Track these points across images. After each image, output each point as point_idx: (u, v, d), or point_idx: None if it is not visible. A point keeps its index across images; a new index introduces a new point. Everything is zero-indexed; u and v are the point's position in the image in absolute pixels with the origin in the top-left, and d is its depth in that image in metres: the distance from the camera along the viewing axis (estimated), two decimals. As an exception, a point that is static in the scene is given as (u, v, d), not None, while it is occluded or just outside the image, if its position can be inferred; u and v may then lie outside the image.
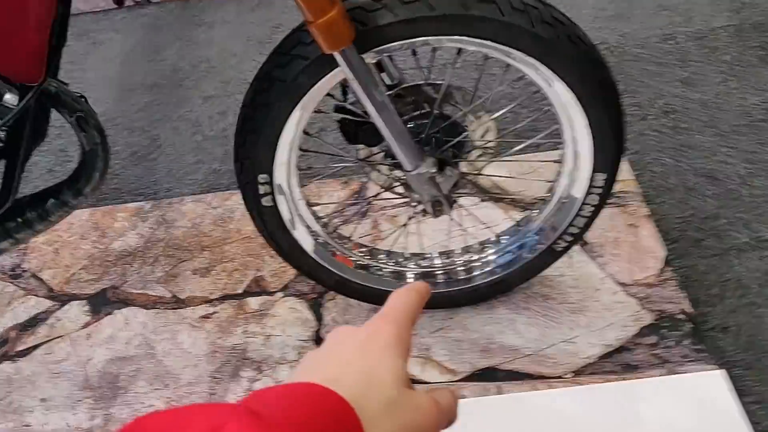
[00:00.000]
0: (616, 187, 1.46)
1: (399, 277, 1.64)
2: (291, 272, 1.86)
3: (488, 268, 1.62)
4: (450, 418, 0.50)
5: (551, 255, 1.57)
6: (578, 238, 1.54)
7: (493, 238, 1.63)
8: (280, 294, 1.82)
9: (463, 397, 1.51)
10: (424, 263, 1.65)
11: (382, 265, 1.63)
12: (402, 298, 0.54)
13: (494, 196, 1.91)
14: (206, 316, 1.79)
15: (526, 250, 1.58)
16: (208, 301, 1.83)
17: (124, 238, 2.06)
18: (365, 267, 1.62)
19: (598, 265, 1.72)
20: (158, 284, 1.90)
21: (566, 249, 1.55)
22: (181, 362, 1.69)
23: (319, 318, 1.73)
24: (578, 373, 1.51)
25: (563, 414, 1.42)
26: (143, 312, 1.83)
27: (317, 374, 0.45)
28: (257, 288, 1.84)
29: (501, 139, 1.49)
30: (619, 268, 1.71)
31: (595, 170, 1.41)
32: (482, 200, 1.95)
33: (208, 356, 1.69)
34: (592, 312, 1.62)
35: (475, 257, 1.64)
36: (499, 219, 1.86)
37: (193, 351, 1.71)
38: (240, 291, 1.84)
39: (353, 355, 0.48)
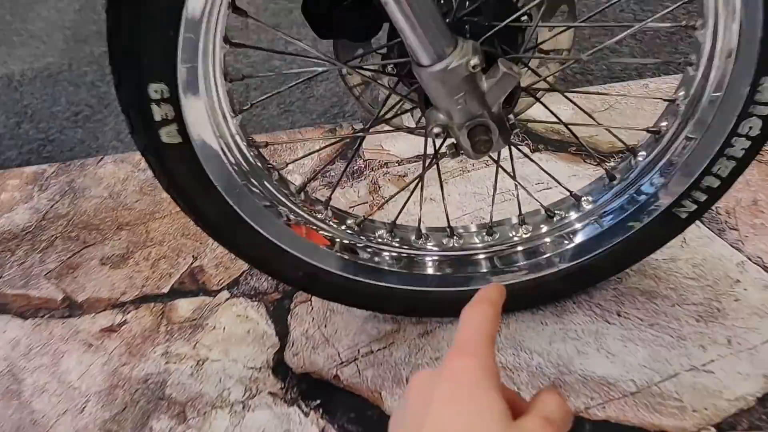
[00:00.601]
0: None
1: (410, 265, 0.99)
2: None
3: (561, 249, 0.97)
4: (565, 424, 0.47)
5: (669, 225, 0.92)
6: (717, 197, 0.88)
7: (572, 201, 0.98)
8: (225, 294, 1.17)
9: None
10: (452, 243, 1.00)
11: (381, 247, 0.98)
12: (475, 319, 0.50)
13: (561, 140, 1.26)
14: (110, 329, 1.15)
15: (626, 218, 0.93)
16: (117, 305, 1.19)
17: (10, 215, 1.42)
18: (351, 249, 0.97)
19: (728, 243, 1.07)
20: (47, 280, 1.26)
21: (695, 215, 0.91)
22: (58, 405, 1.04)
23: (284, 332, 1.09)
24: (723, 429, 0.86)
25: None
26: (18, 323, 1.19)
27: None
28: (192, 284, 1.20)
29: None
30: (767, 247, 1.05)
31: (760, 71, 0.76)
32: (536, 147, 1.29)
33: (104, 394, 1.05)
34: (734, 318, 0.97)
35: (540, 232, 0.99)
36: (563, 174, 1.21)
37: (81, 386, 1.07)
38: (166, 290, 1.20)
39: (445, 413, 0.45)
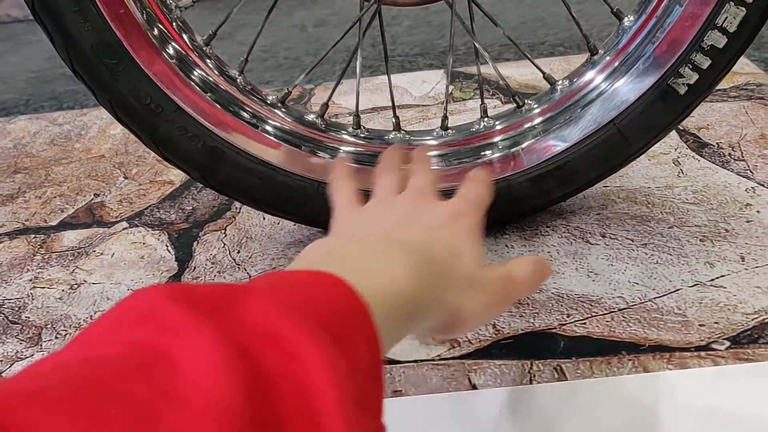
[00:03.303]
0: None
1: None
2: (154, 194, 1.00)
3: (531, 133, 0.78)
4: (529, 286, 0.52)
5: (664, 100, 0.73)
6: (723, 63, 0.71)
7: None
8: (123, 225, 0.95)
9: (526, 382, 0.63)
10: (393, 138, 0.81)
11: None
12: (479, 188, 0.56)
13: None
14: (-28, 258, 0.92)
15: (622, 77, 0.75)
16: (-10, 237, 0.96)
17: None
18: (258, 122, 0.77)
19: (734, 173, 0.88)
20: None
21: (694, 95, 0.73)
22: None
23: (185, 258, 0.87)
24: (740, 342, 0.64)
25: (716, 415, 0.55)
26: None
27: (398, 233, 0.47)
28: (88, 218, 0.98)
29: None
30: (782, 173, 0.87)
31: None
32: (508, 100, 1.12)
33: (-57, 317, 0.81)
34: (746, 236, 0.77)
35: (509, 123, 0.81)
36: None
37: None
38: (54, 223, 0.98)
39: (443, 225, 0.48)
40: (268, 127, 0.77)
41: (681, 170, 0.90)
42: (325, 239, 0.45)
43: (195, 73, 0.73)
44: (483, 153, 0.79)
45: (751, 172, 0.88)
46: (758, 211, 0.81)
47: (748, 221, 0.79)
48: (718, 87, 0.74)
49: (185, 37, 0.74)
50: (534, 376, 0.63)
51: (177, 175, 1.04)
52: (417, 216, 0.49)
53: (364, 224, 0.50)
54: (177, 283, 0.27)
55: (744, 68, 1.13)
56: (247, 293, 0.30)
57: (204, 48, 0.75)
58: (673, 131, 0.97)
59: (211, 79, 0.74)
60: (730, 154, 0.92)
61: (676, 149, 0.94)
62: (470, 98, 1.17)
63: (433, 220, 0.49)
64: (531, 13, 1.64)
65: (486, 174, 0.59)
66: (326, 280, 0.34)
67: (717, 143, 0.94)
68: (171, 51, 0.72)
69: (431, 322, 0.44)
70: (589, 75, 0.77)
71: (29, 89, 1.58)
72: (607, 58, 0.76)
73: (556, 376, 0.63)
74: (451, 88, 1.22)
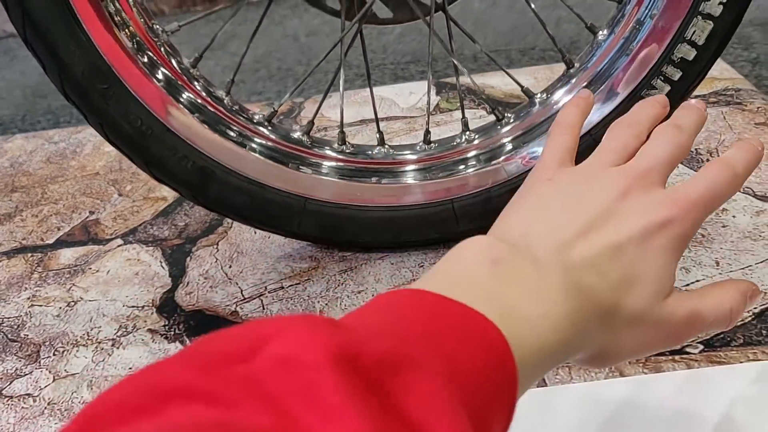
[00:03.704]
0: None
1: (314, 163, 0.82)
2: (147, 211, 1.03)
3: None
4: (723, 325, 0.41)
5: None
6: (694, 74, 0.73)
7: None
8: (118, 242, 0.98)
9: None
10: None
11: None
12: (715, 174, 0.41)
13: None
14: (-29, 277, 0.94)
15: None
16: (-11, 256, 0.99)
17: None
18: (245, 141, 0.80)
19: (712, 179, 0.90)
20: None
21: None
22: None
23: (179, 273, 0.89)
24: (713, 345, 0.66)
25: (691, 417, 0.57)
26: None
27: (576, 243, 0.39)
28: (83, 236, 1.00)
29: None
30: (759, 179, 0.89)
31: None
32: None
33: (-56, 337, 0.83)
34: (722, 242, 0.79)
35: (492, 136, 0.83)
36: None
37: None
38: (50, 241, 1.00)
39: (635, 242, 0.38)
40: (254, 146, 0.79)
41: (660, 177, 0.92)
42: (492, 240, 0.38)
43: (183, 96, 0.76)
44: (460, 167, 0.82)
45: (727, 177, 0.90)
46: (734, 216, 0.83)
47: (723, 226, 0.82)
48: (697, 93, 0.77)
49: (173, 61, 0.76)
50: (515, 382, 0.66)
51: (170, 192, 1.07)
52: (612, 215, 0.39)
53: (544, 215, 0.41)
54: (339, 328, 0.27)
55: (723, 73, 1.15)
56: (415, 369, 0.27)
57: (191, 70, 0.78)
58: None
59: (198, 101, 0.77)
60: (708, 160, 0.94)
61: (655, 156, 0.96)
62: (456, 109, 1.19)
63: (625, 231, 0.38)
64: (521, 19, 1.67)
65: (746, 149, 0.43)
66: (483, 336, 0.31)
67: (695, 149, 0.97)
68: (160, 75, 0.74)
69: (576, 358, 0.40)
70: (565, 89, 0.79)
71: (25, 105, 1.60)
72: (582, 72, 0.78)
73: (537, 382, 0.65)
74: (438, 98, 1.24)
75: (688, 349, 0.66)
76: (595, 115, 0.77)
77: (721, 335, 0.67)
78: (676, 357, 0.66)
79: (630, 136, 0.44)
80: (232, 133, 0.78)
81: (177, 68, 0.76)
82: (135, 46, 0.72)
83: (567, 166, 0.45)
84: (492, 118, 0.83)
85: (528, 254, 0.38)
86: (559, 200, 0.41)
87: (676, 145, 0.42)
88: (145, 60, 0.73)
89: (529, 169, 0.76)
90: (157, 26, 0.75)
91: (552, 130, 0.48)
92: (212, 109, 0.78)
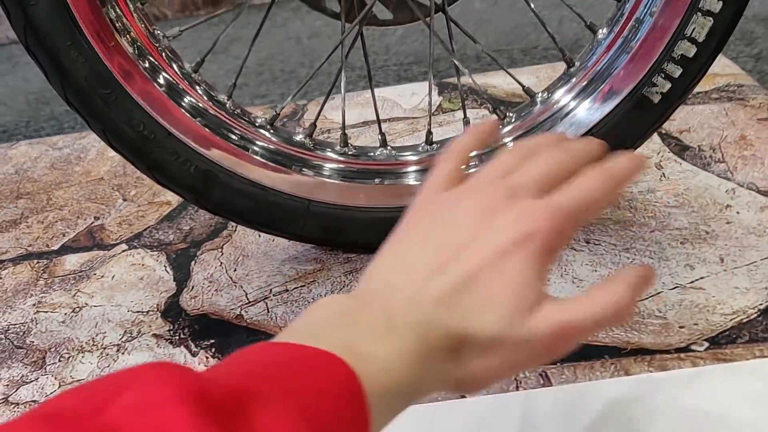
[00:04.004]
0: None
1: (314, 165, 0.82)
2: (152, 215, 1.03)
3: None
4: (606, 323, 0.39)
5: (639, 109, 0.76)
6: (694, 71, 0.73)
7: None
8: (122, 247, 0.98)
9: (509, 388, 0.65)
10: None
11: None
12: (592, 183, 0.41)
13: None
14: (-21, 283, 0.95)
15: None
16: (-5, 263, 0.99)
17: None
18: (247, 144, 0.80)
19: (715, 175, 0.90)
20: None
21: (668, 103, 0.75)
22: None
23: (184, 277, 0.89)
24: (718, 342, 0.66)
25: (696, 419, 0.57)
26: None
27: (435, 278, 0.39)
28: (88, 241, 1.01)
29: None
30: (762, 175, 0.89)
31: None
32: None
33: (-49, 344, 0.84)
34: (726, 238, 0.79)
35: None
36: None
37: (-75, 337, 0.86)
38: (55, 247, 1.01)
39: (490, 265, 0.38)
40: (257, 149, 0.79)
41: (663, 174, 0.92)
42: (342, 297, 0.40)
43: (185, 100, 0.76)
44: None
45: (731, 173, 0.90)
46: (738, 212, 0.83)
47: (728, 222, 0.81)
48: (699, 89, 0.76)
49: (174, 66, 0.76)
50: (520, 382, 0.66)
51: (174, 196, 1.06)
52: (470, 242, 0.39)
53: (401, 260, 0.42)
54: (191, 372, 0.28)
55: (725, 69, 1.15)
56: (263, 403, 0.28)
57: (192, 75, 0.78)
58: (656, 135, 0.99)
59: (200, 105, 0.77)
60: (711, 156, 0.94)
61: (658, 153, 0.96)
62: (459, 109, 1.19)
63: (479, 257, 0.39)
64: (523, 18, 1.66)
65: (630, 163, 0.42)
66: (333, 372, 0.33)
67: (698, 146, 0.97)
68: (161, 80, 0.74)
69: (441, 387, 0.40)
70: (566, 88, 0.79)
71: (29, 111, 1.61)
72: (582, 71, 0.78)
73: (542, 382, 0.65)
74: (440, 99, 1.24)
75: (693, 347, 0.66)
76: (596, 114, 0.76)
77: (727, 332, 0.67)
78: (682, 355, 0.65)
79: (514, 157, 0.44)
80: (234, 137, 0.78)
81: (178, 73, 0.76)
82: (136, 51, 0.72)
83: (447, 191, 0.45)
84: (494, 117, 0.83)
85: (380, 302, 0.39)
86: (421, 232, 0.42)
87: (556, 160, 0.43)
88: (147, 65, 0.73)
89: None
90: (158, 31, 0.75)
91: (438, 156, 0.48)
92: (214, 113, 0.78)
